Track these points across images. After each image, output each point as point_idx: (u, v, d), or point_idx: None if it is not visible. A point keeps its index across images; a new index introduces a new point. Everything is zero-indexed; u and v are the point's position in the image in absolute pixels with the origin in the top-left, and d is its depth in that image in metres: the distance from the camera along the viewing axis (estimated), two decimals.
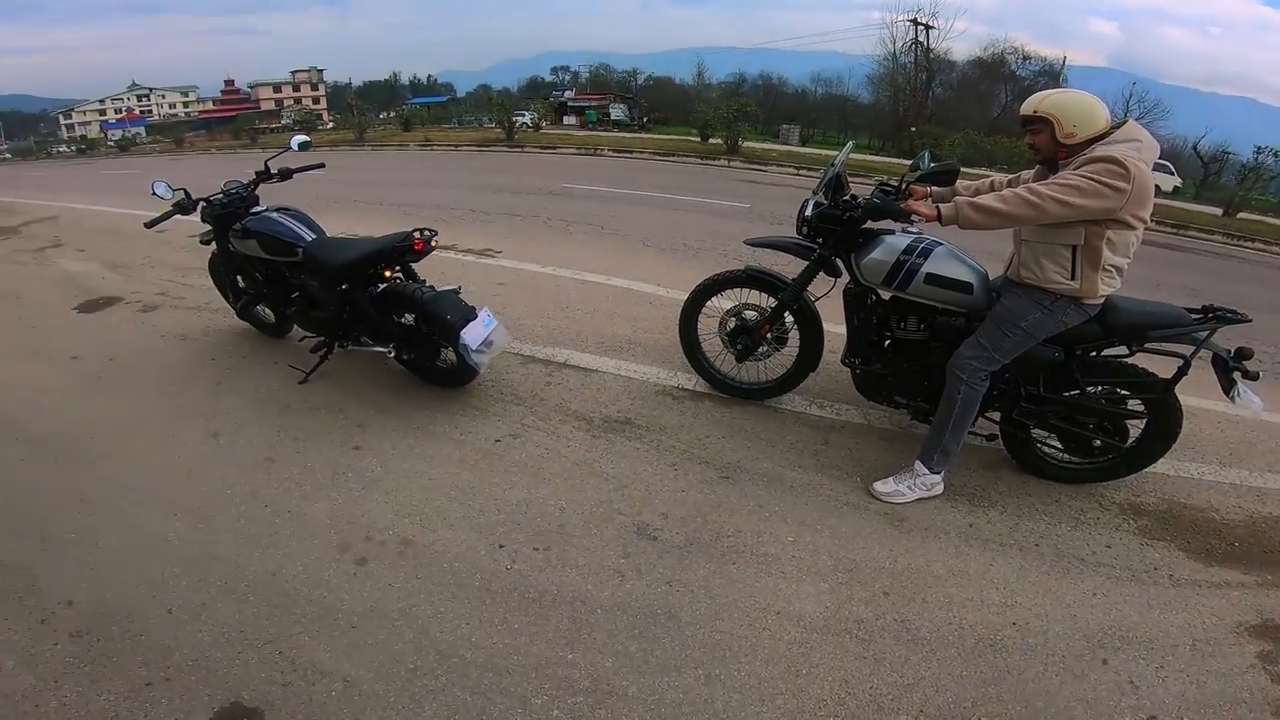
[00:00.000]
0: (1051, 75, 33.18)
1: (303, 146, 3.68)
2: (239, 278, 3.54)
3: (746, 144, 15.13)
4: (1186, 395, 2.41)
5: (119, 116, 67.91)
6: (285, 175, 3.48)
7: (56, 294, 4.93)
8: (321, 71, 78.84)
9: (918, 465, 2.44)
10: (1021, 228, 2.20)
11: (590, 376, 3.26)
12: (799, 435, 2.83)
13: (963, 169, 2.37)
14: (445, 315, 2.72)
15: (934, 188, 2.52)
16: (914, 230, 2.50)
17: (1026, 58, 35.70)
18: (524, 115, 20.63)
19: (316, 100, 72.56)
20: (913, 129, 30.06)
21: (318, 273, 2.98)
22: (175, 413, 2.97)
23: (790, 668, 1.78)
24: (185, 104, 74.84)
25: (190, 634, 1.81)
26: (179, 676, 1.69)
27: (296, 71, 77.27)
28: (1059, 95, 2.09)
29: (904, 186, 2.52)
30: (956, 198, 2.19)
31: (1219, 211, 14.22)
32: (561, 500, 2.36)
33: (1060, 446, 2.56)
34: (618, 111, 37.56)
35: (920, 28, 33.06)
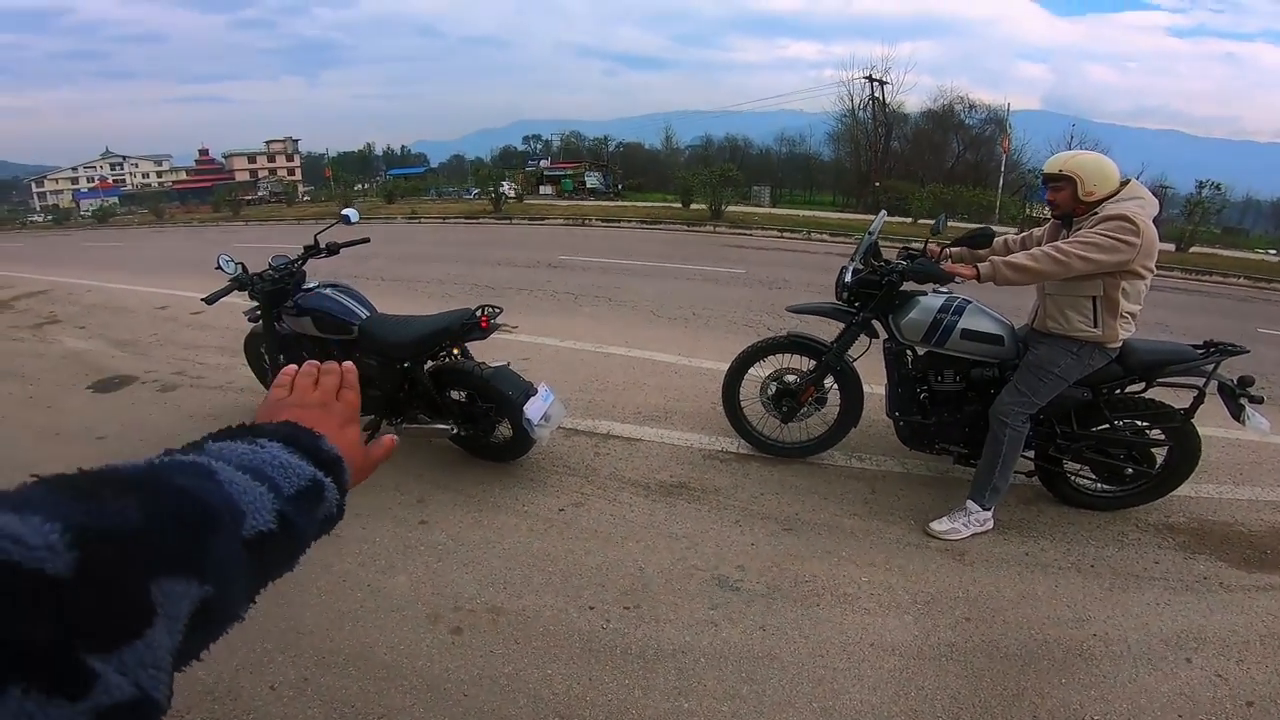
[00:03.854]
0: (997, 122, 33.97)
1: (351, 220, 3.64)
2: (281, 356, 3.44)
3: (729, 208, 15.71)
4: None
5: (91, 185, 67.39)
6: (333, 250, 3.46)
7: (65, 373, 4.85)
8: (297, 141, 79.96)
9: (970, 504, 2.63)
10: (1045, 283, 2.47)
11: (635, 445, 3.37)
12: (846, 486, 2.99)
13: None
14: (507, 391, 2.81)
15: (953, 249, 2.82)
16: (944, 290, 2.77)
17: (972, 106, 36.94)
18: (504, 186, 21.06)
19: (291, 171, 73.21)
20: (877, 184, 31.18)
21: (376, 350, 3.01)
22: None
23: (900, 692, 1.90)
24: (159, 173, 74.72)
25: (300, 709, 1.81)
26: None
27: (271, 141, 78.03)
28: (1082, 156, 2.41)
29: (925, 250, 2.85)
30: (992, 258, 2.46)
31: (1171, 247, 14.26)
32: (639, 561, 2.45)
33: (1094, 477, 2.81)
34: (593, 179, 38.28)
35: (875, 84, 34.55)
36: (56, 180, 73.46)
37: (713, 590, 2.31)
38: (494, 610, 2.20)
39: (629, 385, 4.20)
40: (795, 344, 3.08)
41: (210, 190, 48.53)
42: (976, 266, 2.44)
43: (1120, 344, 2.49)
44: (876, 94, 34.93)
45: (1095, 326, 2.42)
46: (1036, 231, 2.75)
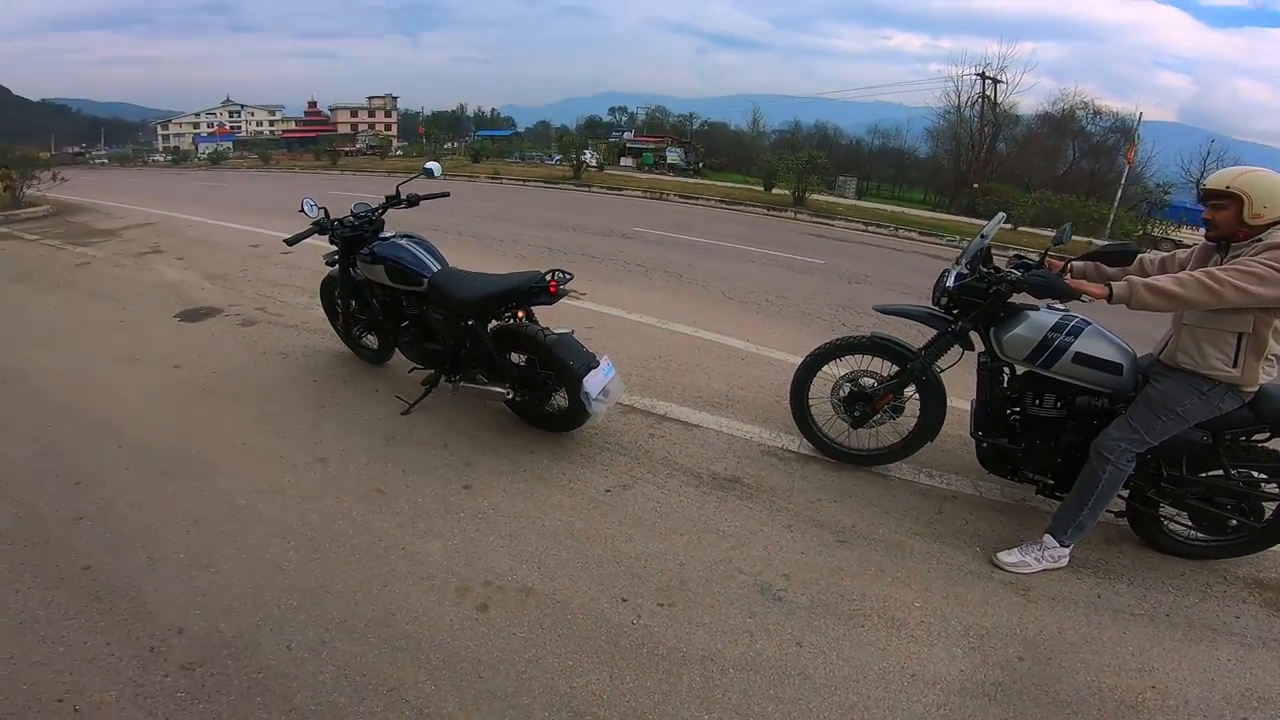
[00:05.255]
0: (1123, 131, 31.21)
1: (434, 174, 3.62)
2: (353, 302, 3.56)
3: (813, 196, 15.06)
4: None
5: (210, 130, 72.66)
6: (413, 202, 3.48)
7: (157, 301, 5.14)
8: (395, 98, 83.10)
9: (1048, 539, 2.37)
10: (1185, 312, 2.13)
11: (692, 431, 3.22)
12: (911, 503, 2.74)
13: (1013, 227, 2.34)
14: (569, 360, 2.72)
15: (1076, 264, 2.47)
16: (1060, 308, 2.44)
17: (1097, 113, 34.29)
18: (586, 154, 20.98)
19: (388, 127, 76.26)
20: (975, 185, 29.63)
21: (443, 305, 2.98)
22: (279, 433, 3.01)
23: None
24: (271, 122, 79.67)
25: (311, 673, 1.76)
26: None
27: (373, 97, 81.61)
28: (1253, 174, 2.02)
29: (1044, 261, 2.50)
30: (1129, 277, 2.12)
31: None
32: (680, 556, 2.32)
33: (1190, 524, 2.49)
34: (674, 155, 37.80)
35: (988, 81, 32.36)
36: (180, 124, 79.62)
37: (753, 597, 2.16)
38: (524, 590, 2.12)
39: (692, 366, 4.04)
40: (878, 346, 2.81)
41: (315, 140, 51.22)
42: (1109, 285, 2.10)
43: (1257, 388, 2.13)
44: (988, 92, 32.78)
45: (1235, 367, 2.08)
46: (1181, 254, 2.37)
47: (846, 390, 2.87)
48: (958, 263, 2.61)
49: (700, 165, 38.38)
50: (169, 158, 37.00)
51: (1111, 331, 2.39)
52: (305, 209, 3.36)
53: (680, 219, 11.10)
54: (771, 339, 4.65)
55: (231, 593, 2.02)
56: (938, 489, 2.87)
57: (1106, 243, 2.33)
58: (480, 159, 25.91)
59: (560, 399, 2.95)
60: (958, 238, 11.88)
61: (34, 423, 3.07)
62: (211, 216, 10.32)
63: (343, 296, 3.60)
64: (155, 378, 3.59)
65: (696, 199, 14.97)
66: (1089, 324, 2.36)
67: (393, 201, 3.44)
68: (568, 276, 2.82)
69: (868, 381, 2.85)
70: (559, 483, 2.71)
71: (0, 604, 1.95)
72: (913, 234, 12.12)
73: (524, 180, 18.23)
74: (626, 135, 46.30)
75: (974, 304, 2.48)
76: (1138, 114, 29.18)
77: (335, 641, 1.87)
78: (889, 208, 19.05)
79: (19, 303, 5.30)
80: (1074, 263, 2.43)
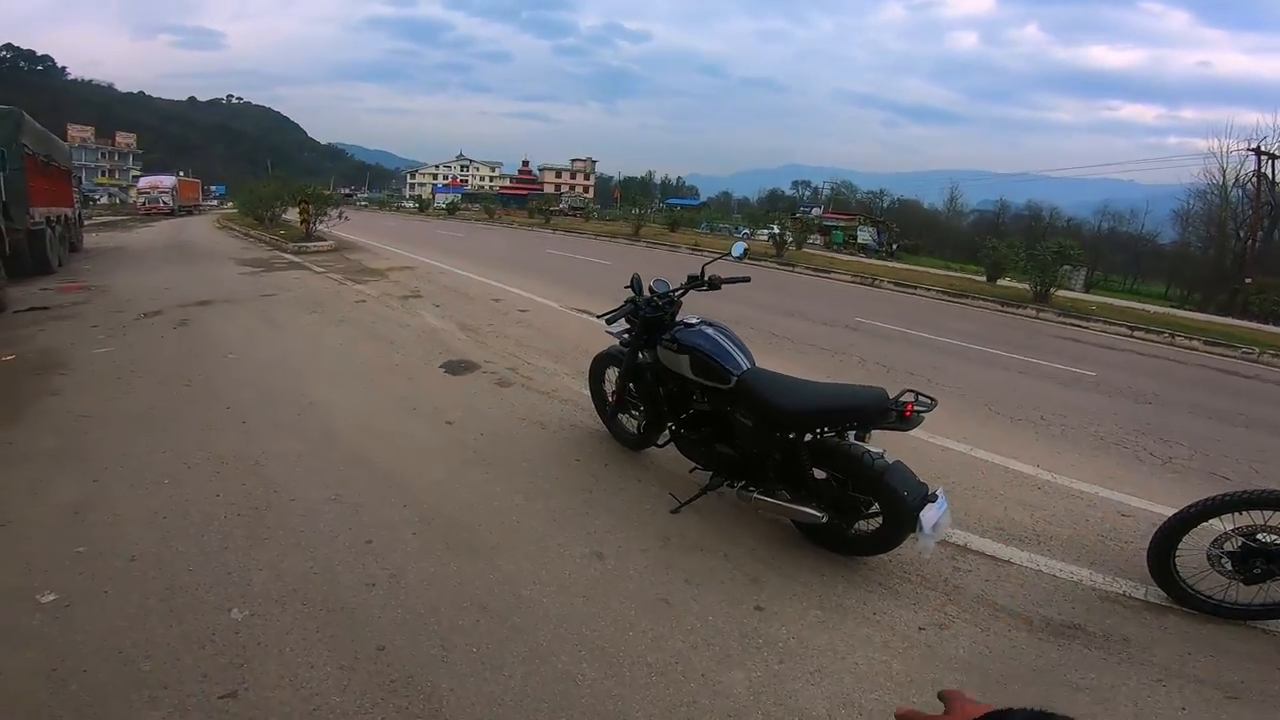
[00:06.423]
0: None
1: (741, 256, 3.43)
2: (632, 385, 3.39)
3: (1058, 293, 13.13)
4: None
5: (446, 182, 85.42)
6: (714, 285, 3.26)
7: (423, 347, 5.68)
8: (595, 162, 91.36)
9: None
10: None
11: (1004, 568, 2.79)
12: None
13: None
14: (902, 492, 2.41)
15: None
16: None
17: None
18: (775, 229, 20.48)
19: (586, 189, 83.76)
20: (1248, 280, 24.56)
21: (758, 410, 2.68)
22: (551, 516, 2.93)
23: None
24: (491, 177, 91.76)
25: None
26: None
27: (576, 160, 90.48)
28: None
29: None
30: None
31: None
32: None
33: None
34: (865, 235, 35.95)
35: (1265, 157, 27.11)
36: (423, 175, 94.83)
37: None
38: None
39: (979, 492, 3.53)
40: None
41: (525, 197, 57.65)
42: None
43: None
44: (1265, 169, 27.38)
45: None
46: None
47: (1238, 544, 2.47)
48: None
49: (895, 247, 36.50)
50: (414, 204, 43.81)
51: None
52: (635, 286, 3.24)
53: (902, 311, 10.37)
54: (1065, 466, 3.98)
55: (527, 707, 1.86)
56: None
57: None
58: (676, 228, 26.82)
59: (869, 524, 2.64)
60: (1255, 349, 9.81)
61: (328, 462, 3.35)
62: (457, 266, 11.65)
63: (624, 378, 3.42)
64: (431, 432, 3.81)
65: (915, 288, 13.89)
66: None
67: (695, 283, 3.25)
68: (929, 403, 2.47)
69: (1268, 538, 2.44)
70: (862, 614, 2.42)
71: (295, 679, 1.90)
72: (1196, 343, 10.06)
73: (721, 254, 18.17)
74: (815, 210, 45.66)
75: None
76: None
77: None
78: (1151, 308, 16.40)
79: (313, 332, 6.23)
80: None
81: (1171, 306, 22.94)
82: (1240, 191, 29.23)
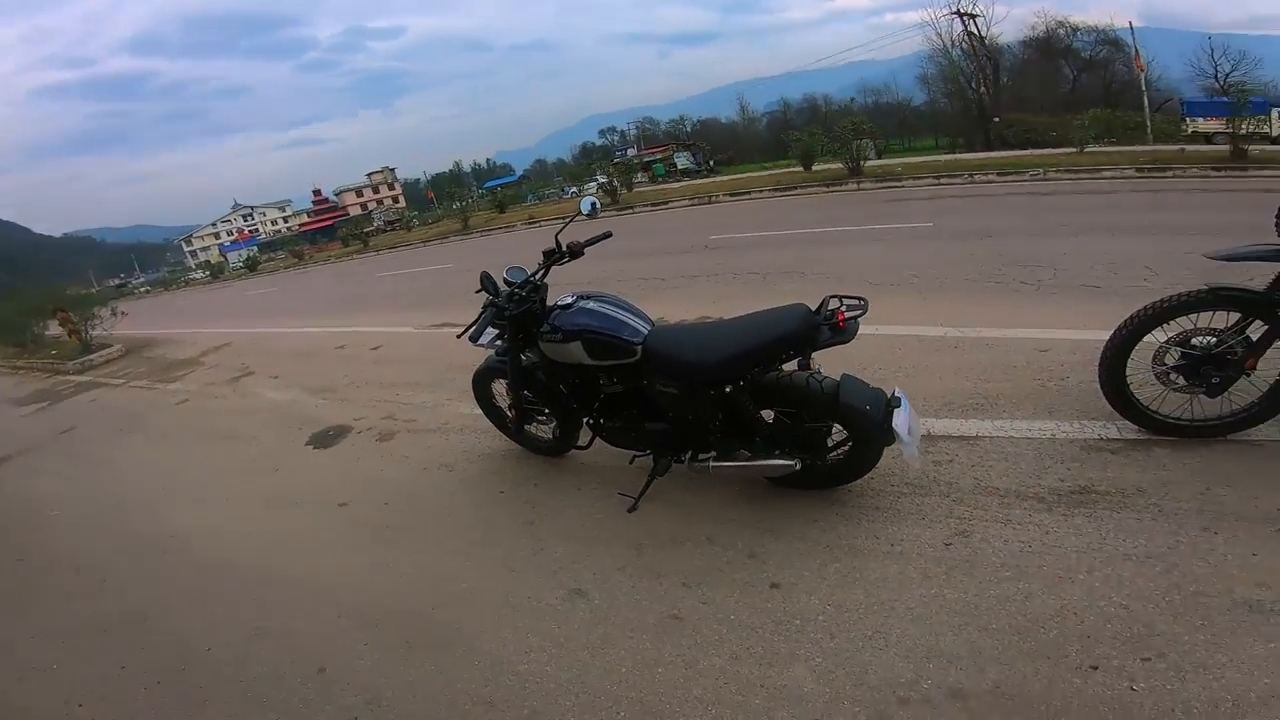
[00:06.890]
0: (1112, 43, 31.39)
1: (594, 211, 3.01)
2: (526, 392, 3.00)
3: (867, 163, 14.55)
4: None
5: (232, 238, 75.43)
6: (576, 252, 2.86)
7: (277, 428, 4.76)
8: (393, 170, 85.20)
9: None
10: None
11: (977, 446, 2.70)
12: None
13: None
14: (863, 406, 2.22)
15: None
16: None
17: (1075, 30, 34.02)
18: (600, 179, 20.43)
19: (395, 199, 78.07)
20: (996, 119, 29.03)
21: (676, 374, 2.38)
22: (506, 567, 2.56)
23: None
24: (284, 218, 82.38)
25: None
26: None
27: (372, 173, 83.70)
28: None
29: None
30: None
31: None
32: (1110, 596, 1.87)
33: None
34: (683, 160, 37.26)
35: (966, 19, 32.48)
36: (202, 237, 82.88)
37: (1249, 618, 1.71)
38: (954, 694, 1.68)
39: (910, 369, 3.56)
40: (1223, 299, 2.36)
41: (333, 228, 52.49)
42: None
43: None
44: (970, 28, 32.88)
45: None
46: None
47: (1177, 357, 2.44)
48: None
49: (712, 163, 37.98)
50: (205, 273, 38.25)
51: None
52: (511, 275, 2.79)
53: (748, 218, 10.68)
54: (962, 318, 4.13)
55: None
56: None
57: None
58: (505, 208, 26.09)
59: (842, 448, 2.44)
60: (1040, 170, 11.28)
61: (227, 594, 2.80)
62: (282, 325, 10.14)
63: (514, 388, 2.99)
64: (326, 523, 3.23)
65: (747, 194, 14.46)
66: None
67: (555, 257, 2.83)
68: (857, 303, 2.23)
69: (1203, 341, 2.41)
70: (879, 551, 2.22)
71: None
72: (990, 175, 11.49)
73: (561, 217, 17.79)
74: (630, 152, 46.15)
75: None
76: (1127, 22, 28.86)
77: None
78: (940, 158, 18.59)
79: (140, 459, 4.98)
80: None
81: (946, 154, 26.22)
82: (959, 50, 33.97)
